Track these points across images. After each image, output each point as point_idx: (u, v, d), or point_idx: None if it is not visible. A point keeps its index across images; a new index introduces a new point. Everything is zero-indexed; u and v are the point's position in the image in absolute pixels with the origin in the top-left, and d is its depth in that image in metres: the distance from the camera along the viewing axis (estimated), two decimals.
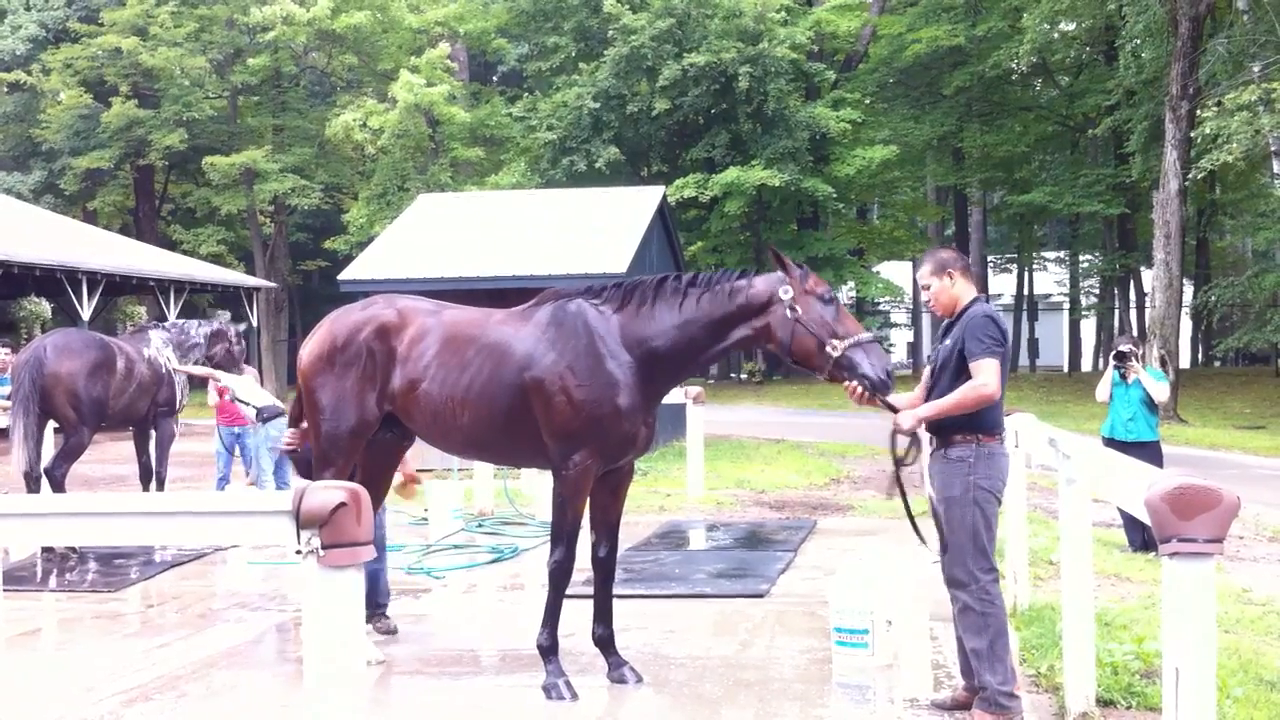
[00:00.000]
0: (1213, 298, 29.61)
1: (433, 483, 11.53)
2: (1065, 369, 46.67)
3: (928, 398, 5.49)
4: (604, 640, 6.18)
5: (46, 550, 10.02)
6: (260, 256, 40.80)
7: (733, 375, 41.72)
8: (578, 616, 6.53)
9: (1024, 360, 47.31)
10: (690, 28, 35.11)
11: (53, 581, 9.23)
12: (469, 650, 6.98)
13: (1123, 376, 10.33)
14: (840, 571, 6.58)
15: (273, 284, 36.11)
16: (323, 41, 39.36)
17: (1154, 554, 9.07)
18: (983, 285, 41.16)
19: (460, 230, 19.51)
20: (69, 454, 10.40)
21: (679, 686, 6.03)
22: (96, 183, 40.66)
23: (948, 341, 5.43)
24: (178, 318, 25.72)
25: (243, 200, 38.81)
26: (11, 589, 8.67)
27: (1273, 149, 24.86)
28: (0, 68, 39.40)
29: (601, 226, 18.94)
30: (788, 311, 5.68)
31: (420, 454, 7.89)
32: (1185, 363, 38.63)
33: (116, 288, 26.29)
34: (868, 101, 39.58)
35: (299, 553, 3.38)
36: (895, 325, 58.08)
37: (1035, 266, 49.53)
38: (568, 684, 5.87)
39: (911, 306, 52.30)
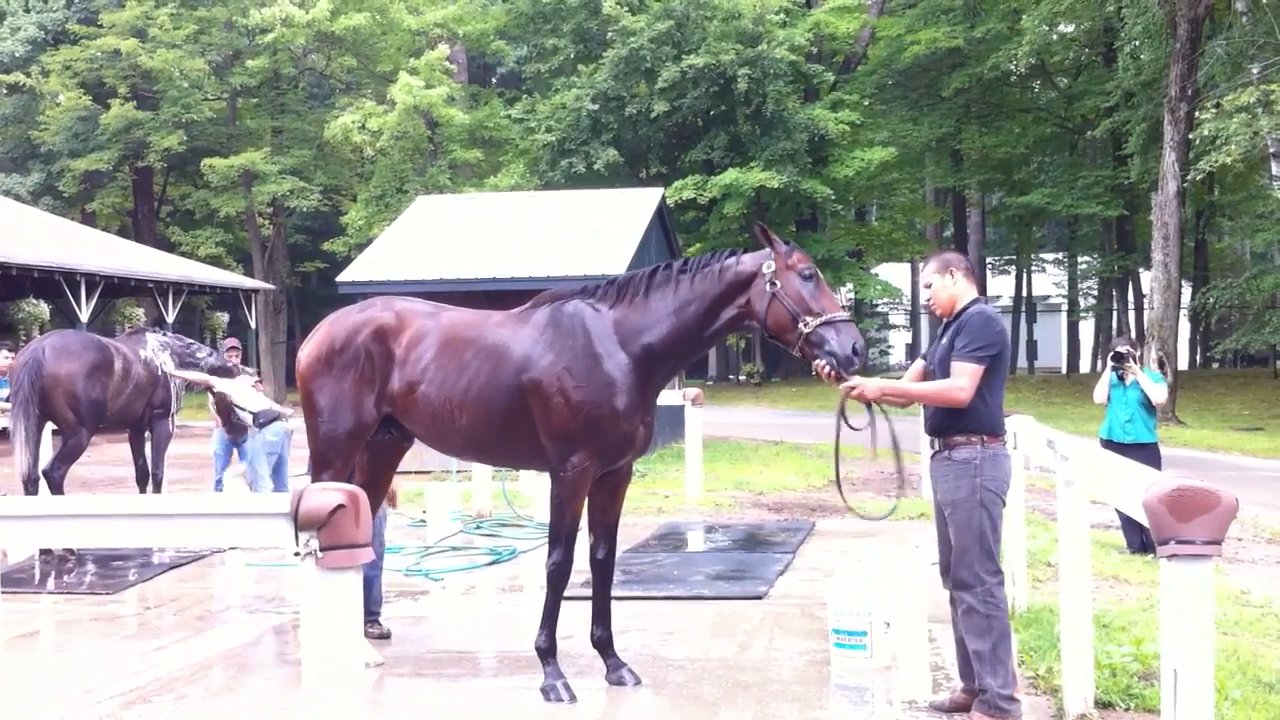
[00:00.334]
0: (1211, 299, 29.61)
1: (431, 485, 11.53)
2: (1064, 371, 46.68)
3: None
4: (602, 642, 6.17)
5: (45, 552, 10.01)
6: (259, 258, 40.80)
7: (731, 377, 41.73)
8: (576, 618, 6.53)
9: (1022, 362, 47.29)
10: (689, 29, 35.12)
11: (51, 584, 9.22)
12: (467, 652, 6.98)
13: (1120, 378, 10.33)
14: (839, 573, 6.58)
15: (271, 286, 36.11)
16: (322, 43, 39.36)
17: (1152, 556, 9.07)
18: (982, 287, 41.00)
19: (459, 232, 19.50)
20: (67, 456, 10.39)
21: (677, 688, 6.03)
22: (95, 184, 40.64)
23: (944, 341, 5.45)
24: (176, 320, 25.75)
25: (241, 202, 38.81)
26: (10, 591, 8.67)
27: (1271, 151, 24.86)
28: None
29: (600, 228, 18.94)
30: (768, 285, 5.71)
31: (419, 455, 7.90)
32: (1183, 364, 38.65)
33: (115, 289, 26.28)
34: (866, 103, 39.58)
35: (297, 555, 3.38)
36: (894, 327, 58.09)
37: (1034, 268, 49.53)
38: (566, 686, 5.87)
39: (910, 308, 52.34)
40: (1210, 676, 3.75)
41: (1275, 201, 27.93)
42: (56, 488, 10.14)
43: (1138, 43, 29.69)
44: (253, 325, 29.87)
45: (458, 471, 13.71)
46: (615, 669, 6.12)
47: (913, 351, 52.89)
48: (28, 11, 39.96)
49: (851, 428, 5.52)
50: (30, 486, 10.02)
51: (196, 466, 16.84)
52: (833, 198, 36.27)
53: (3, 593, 8.44)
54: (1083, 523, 5.50)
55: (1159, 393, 10.33)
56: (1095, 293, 45.67)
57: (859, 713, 5.67)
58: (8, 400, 10.50)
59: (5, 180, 39.02)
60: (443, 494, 11.06)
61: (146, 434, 11.26)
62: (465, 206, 22.73)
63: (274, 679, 6.44)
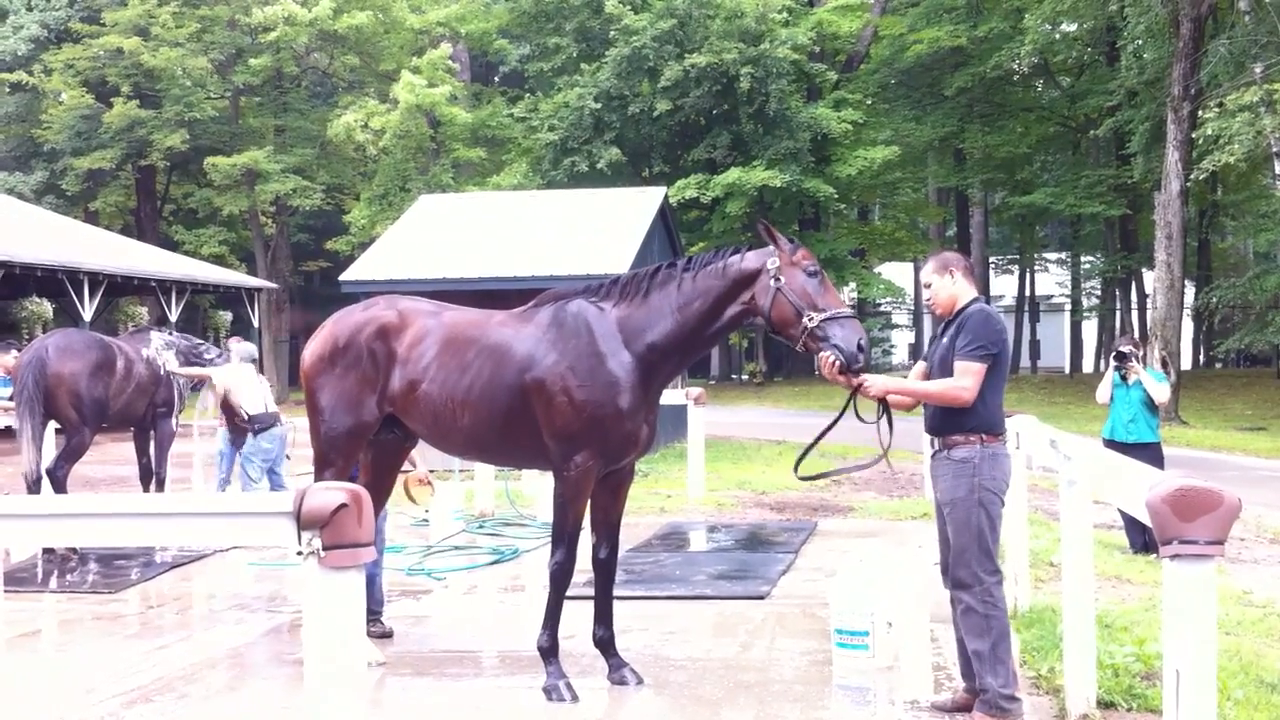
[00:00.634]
0: (1214, 299, 29.60)
1: (434, 484, 11.51)
2: (1066, 370, 46.63)
3: None
4: (604, 642, 6.17)
5: (47, 551, 10.02)
6: (261, 257, 40.82)
7: (734, 376, 41.73)
8: (578, 618, 6.54)
9: (1025, 362, 47.27)
10: (692, 28, 35.12)
11: (53, 583, 9.23)
12: (470, 651, 6.98)
13: (1123, 377, 10.32)
14: (841, 573, 6.58)
15: (274, 285, 36.11)
16: (324, 42, 39.39)
17: (1155, 556, 9.07)
18: (984, 287, 41.13)
19: (461, 231, 19.51)
20: (71, 454, 10.41)
21: (679, 688, 6.03)
22: (98, 183, 40.67)
23: (944, 340, 5.45)
24: (179, 319, 25.76)
25: (244, 201, 38.82)
26: (12, 590, 8.69)
27: (1274, 150, 24.81)
28: (2, 68, 39.39)
29: (603, 227, 18.95)
30: (772, 281, 5.72)
31: (420, 455, 7.89)
32: (1186, 364, 38.61)
33: (118, 288, 26.31)
34: (869, 102, 39.57)
35: (300, 554, 3.38)
36: (896, 326, 58.06)
37: (1036, 268, 49.47)
38: (568, 685, 5.87)
39: (913, 307, 52.30)
40: (1213, 677, 3.75)
41: (1278, 201, 27.91)
42: (60, 486, 10.15)
43: (1140, 42, 29.67)
44: (255, 324, 29.89)
45: (460, 471, 13.71)
46: (617, 669, 6.11)
47: (915, 351, 52.87)
48: (30, 10, 39.96)
49: (861, 419, 5.55)
50: (34, 485, 10.03)
51: (200, 465, 16.81)
52: (835, 197, 36.27)
53: (5, 591, 8.44)
54: (1085, 523, 5.50)
55: (1162, 392, 10.32)
56: (1098, 292, 45.63)
57: (861, 713, 5.66)
58: (12, 399, 10.51)
59: (8, 179, 39.04)
60: (445, 493, 11.06)
61: (150, 433, 11.27)
62: (468, 205, 22.75)
63: (276, 678, 6.44)
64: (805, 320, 5.61)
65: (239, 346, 11.73)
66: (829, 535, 10.79)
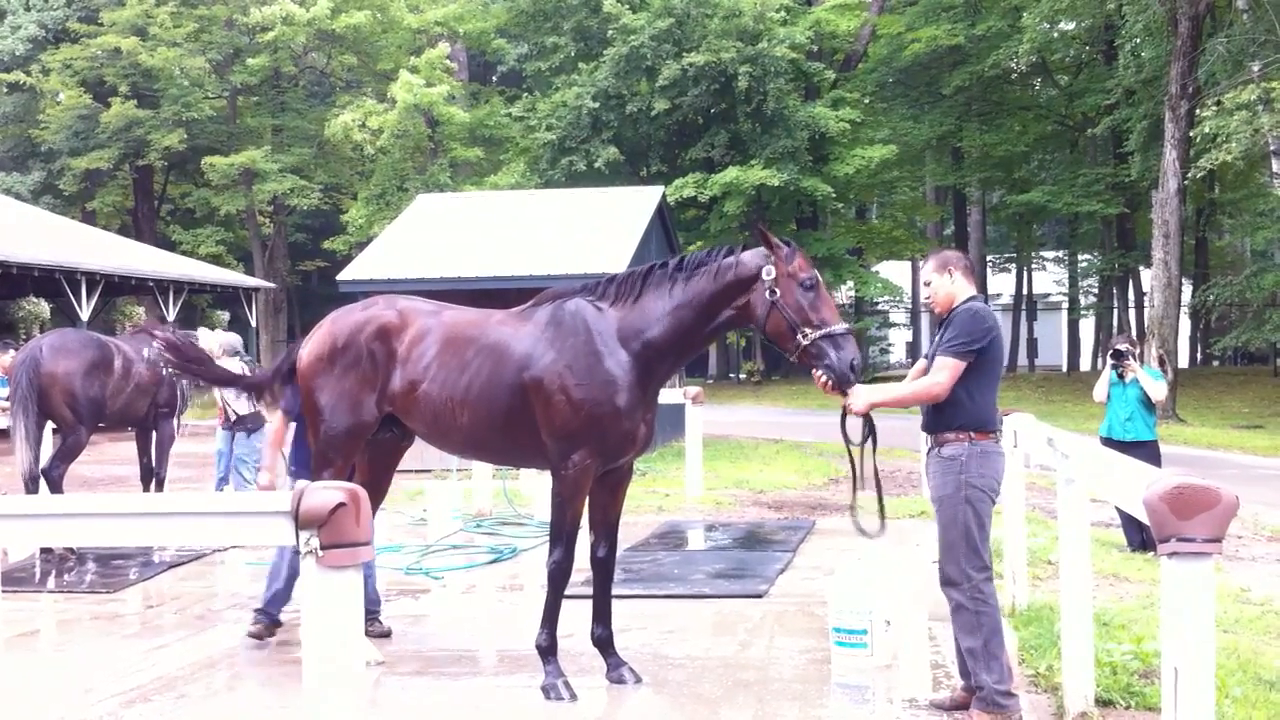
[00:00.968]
0: (1211, 297, 29.59)
1: (432, 483, 11.53)
2: (1064, 369, 46.65)
3: None
4: (603, 641, 6.18)
5: (45, 551, 10.01)
6: (259, 257, 40.80)
7: (731, 375, 41.75)
8: (577, 617, 6.53)
9: (1022, 360, 47.28)
10: (690, 27, 35.11)
11: (51, 582, 9.22)
12: (468, 651, 6.98)
13: (1120, 375, 10.33)
14: (839, 571, 6.58)
15: (272, 284, 36.11)
16: (322, 42, 39.37)
17: (1152, 554, 9.07)
18: (982, 285, 41.09)
19: (459, 230, 19.51)
20: (66, 454, 10.39)
21: (678, 687, 6.03)
22: (95, 183, 40.65)
23: (937, 338, 5.46)
24: (176, 318, 25.75)
25: (242, 200, 38.81)
26: (10, 590, 8.68)
27: (1271, 148, 24.84)
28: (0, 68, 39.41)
29: (600, 226, 18.95)
30: (768, 293, 5.72)
31: (420, 454, 7.90)
32: (1184, 362, 38.63)
33: (115, 288, 26.29)
34: (867, 101, 39.57)
35: (298, 553, 3.38)
36: (894, 325, 58.04)
37: (1034, 266, 49.49)
38: (567, 684, 5.87)
39: (911, 306, 52.29)
40: (1211, 674, 3.75)
41: (1275, 199, 27.90)
42: (55, 486, 10.13)
43: (1138, 40, 29.68)
44: (253, 324, 29.88)
45: (458, 470, 13.71)
46: (616, 667, 6.12)
47: (913, 349, 52.86)
48: (28, 10, 39.93)
49: (849, 442, 5.64)
50: (31, 485, 10.01)
51: (199, 465, 16.83)
52: (833, 196, 36.25)
53: (3, 591, 8.44)
54: (1083, 520, 5.50)
55: (1159, 390, 10.32)
56: (1095, 291, 45.65)
57: (859, 711, 5.67)
58: (7, 399, 10.50)
59: (6, 179, 39.02)
60: (443, 492, 11.07)
61: (152, 433, 11.26)
62: (466, 205, 22.74)
63: (274, 678, 6.44)
64: (800, 337, 5.64)
65: (218, 338, 11.19)
66: (827, 534, 10.79)
